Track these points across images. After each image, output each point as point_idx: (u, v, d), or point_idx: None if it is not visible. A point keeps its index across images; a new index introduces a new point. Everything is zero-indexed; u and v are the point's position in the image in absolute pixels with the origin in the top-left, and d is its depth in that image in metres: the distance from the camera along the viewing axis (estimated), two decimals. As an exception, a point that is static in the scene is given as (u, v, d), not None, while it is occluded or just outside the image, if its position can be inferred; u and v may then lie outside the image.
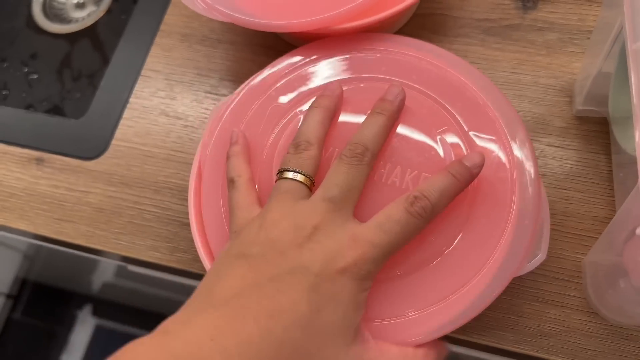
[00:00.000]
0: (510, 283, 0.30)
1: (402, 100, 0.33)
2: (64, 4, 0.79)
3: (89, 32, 0.76)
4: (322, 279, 0.27)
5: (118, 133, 0.43)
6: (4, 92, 0.73)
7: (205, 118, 0.42)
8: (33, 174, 0.43)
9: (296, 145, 0.31)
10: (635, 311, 0.30)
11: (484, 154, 0.31)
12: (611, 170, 0.37)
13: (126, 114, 0.44)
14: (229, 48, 0.45)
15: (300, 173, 0.30)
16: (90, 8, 0.78)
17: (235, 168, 0.33)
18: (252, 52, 0.44)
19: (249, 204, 0.32)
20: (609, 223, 0.34)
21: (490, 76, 0.40)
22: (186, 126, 0.43)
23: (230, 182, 0.33)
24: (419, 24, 0.43)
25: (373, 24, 0.37)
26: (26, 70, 0.74)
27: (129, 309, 1.18)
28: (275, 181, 0.31)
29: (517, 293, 0.35)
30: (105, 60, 0.73)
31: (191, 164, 0.36)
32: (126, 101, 0.44)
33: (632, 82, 0.24)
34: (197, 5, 0.40)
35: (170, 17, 0.47)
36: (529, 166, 0.32)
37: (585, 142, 0.38)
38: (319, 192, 0.29)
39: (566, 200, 0.36)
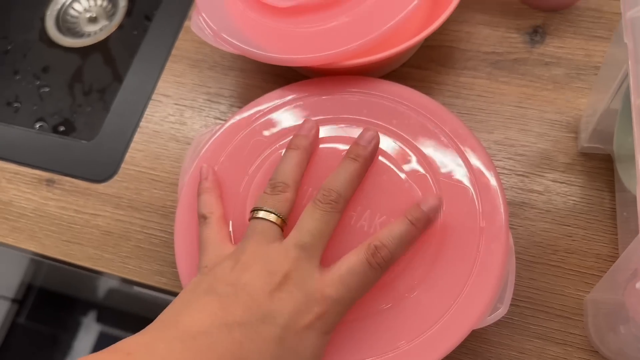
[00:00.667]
0: (507, 318, 0.30)
1: (376, 145, 0.34)
2: (76, 17, 0.80)
3: (101, 47, 0.77)
4: (289, 333, 0.27)
5: (128, 157, 0.44)
6: (15, 105, 0.74)
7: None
8: (43, 195, 0.43)
9: (273, 186, 0.32)
10: (637, 356, 0.30)
11: (441, 197, 0.32)
12: (615, 208, 0.37)
13: (136, 137, 0.44)
14: (239, 75, 0.45)
15: (275, 214, 0.31)
16: (103, 22, 0.79)
17: (206, 205, 0.34)
18: (261, 80, 0.45)
19: (220, 240, 0.33)
20: (612, 261, 0.35)
21: (495, 110, 0.41)
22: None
23: (202, 218, 0.34)
24: (427, 56, 0.43)
25: (380, 60, 0.38)
26: (38, 83, 0.75)
27: (133, 316, 1.19)
28: (249, 219, 0.32)
29: (518, 329, 0.35)
30: (117, 76, 0.74)
31: (199, 193, 0.37)
32: (137, 125, 0.45)
33: (635, 136, 0.25)
34: (207, 34, 0.41)
35: (182, 43, 0.47)
36: (499, 218, 0.32)
37: (590, 179, 0.38)
38: (291, 237, 0.30)
39: (569, 237, 0.37)
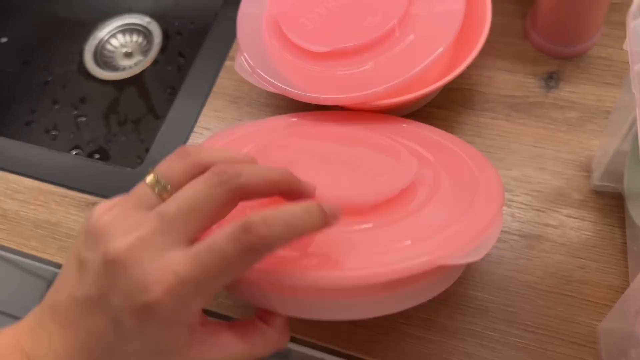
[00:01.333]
0: (524, 344, 0.33)
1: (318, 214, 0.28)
2: (113, 52, 0.85)
3: (136, 80, 0.81)
4: (124, 315, 0.25)
5: (170, 184, 0.47)
6: (53, 133, 0.79)
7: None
8: (90, 218, 0.47)
9: (185, 153, 0.29)
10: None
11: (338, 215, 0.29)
12: (626, 243, 0.40)
13: (178, 166, 0.48)
14: (275, 111, 0.49)
15: (161, 183, 0.28)
16: (138, 57, 0.83)
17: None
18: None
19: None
20: (622, 292, 0.37)
21: (514, 149, 0.44)
22: (232, 181, 0.47)
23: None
24: (449, 97, 0.47)
25: (405, 101, 0.41)
26: (75, 113, 0.80)
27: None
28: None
29: (534, 354, 0.37)
30: (150, 108, 0.78)
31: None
32: (178, 155, 0.48)
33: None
34: (247, 73, 0.45)
35: (223, 81, 0.51)
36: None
37: (602, 215, 0.41)
38: (159, 206, 0.27)
39: (583, 268, 0.39)
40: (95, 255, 0.26)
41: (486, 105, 0.46)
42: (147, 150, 0.73)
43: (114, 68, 0.82)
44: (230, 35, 0.54)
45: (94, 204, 0.47)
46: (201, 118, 0.50)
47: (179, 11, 0.84)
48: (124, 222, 0.26)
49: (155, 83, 0.79)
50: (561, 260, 0.39)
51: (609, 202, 0.41)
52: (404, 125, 0.43)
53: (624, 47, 0.31)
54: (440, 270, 0.31)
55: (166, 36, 0.83)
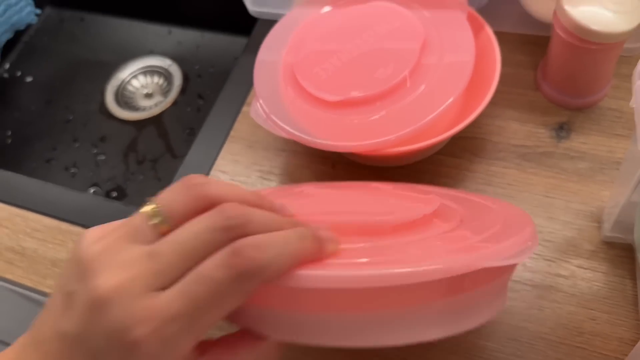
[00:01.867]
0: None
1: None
2: (134, 93, 0.87)
3: (155, 121, 0.83)
4: (106, 354, 0.24)
5: (185, 226, 0.48)
6: (72, 170, 0.81)
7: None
8: (107, 258, 0.48)
9: (193, 184, 0.27)
10: None
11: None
12: (636, 294, 0.40)
13: (194, 208, 0.49)
14: (290, 156, 0.50)
15: (161, 214, 0.26)
16: (158, 98, 0.86)
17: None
18: (309, 161, 0.49)
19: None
20: (633, 345, 0.37)
21: (524, 198, 0.44)
22: (247, 224, 0.47)
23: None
24: (461, 146, 0.48)
25: (419, 149, 0.42)
26: (95, 151, 0.82)
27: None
28: None
29: (546, 407, 0.37)
30: (169, 148, 0.80)
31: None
32: (195, 197, 0.49)
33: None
34: (262, 119, 0.46)
35: (240, 125, 0.53)
36: None
37: (613, 266, 0.41)
38: (154, 244, 0.25)
39: (593, 320, 0.39)
40: (81, 290, 0.25)
41: (497, 154, 0.47)
42: (159, 179, 0.75)
43: (135, 108, 0.84)
44: (248, 81, 0.55)
45: (111, 243, 0.48)
46: (218, 161, 0.51)
47: (200, 55, 0.87)
48: (114, 256, 0.25)
49: (174, 123, 0.81)
50: (572, 311, 0.39)
51: (620, 254, 0.41)
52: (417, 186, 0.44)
53: (631, 104, 0.32)
54: (485, 278, 0.29)
55: (186, 78, 0.85)
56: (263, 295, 0.26)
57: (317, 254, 0.26)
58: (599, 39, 0.41)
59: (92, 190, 0.76)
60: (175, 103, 0.83)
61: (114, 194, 0.75)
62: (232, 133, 0.52)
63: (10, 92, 0.88)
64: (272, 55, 0.50)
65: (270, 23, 0.52)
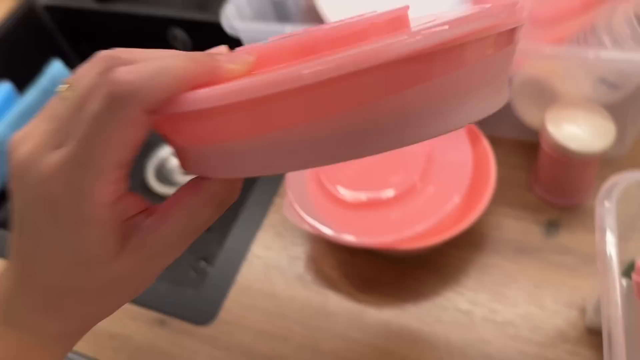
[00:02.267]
0: None
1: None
2: (171, 169, 0.96)
3: (192, 196, 0.92)
4: (26, 209, 0.25)
5: (225, 305, 0.56)
6: (117, 241, 0.89)
7: (293, 301, 0.55)
8: (156, 333, 0.55)
9: (102, 57, 0.24)
10: None
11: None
12: (616, 378, 0.46)
13: (233, 289, 0.57)
14: (314, 243, 0.58)
15: (71, 90, 0.24)
16: (193, 174, 0.95)
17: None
18: (331, 249, 0.57)
19: None
20: None
21: (518, 287, 0.51)
22: (278, 305, 0.55)
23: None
24: (463, 239, 0.55)
25: (430, 245, 0.50)
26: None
27: None
28: None
29: None
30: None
31: (282, 337, 0.48)
32: (233, 279, 0.57)
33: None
34: (290, 214, 0.54)
35: (271, 215, 0.61)
36: None
37: (595, 351, 0.47)
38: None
39: (578, 400, 0.45)
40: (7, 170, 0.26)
41: (495, 248, 0.54)
42: (197, 260, 0.83)
43: (173, 184, 0.93)
44: (279, 177, 0.64)
45: (160, 321, 0.56)
46: (253, 247, 0.59)
47: (232, 136, 0.96)
48: (26, 132, 0.25)
49: (208, 199, 0.90)
50: (559, 392, 0.46)
51: (601, 340, 0.48)
52: None
53: (595, 224, 0.39)
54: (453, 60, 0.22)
55: (219, 157, 0.94)
56: (181, 131, 0.24)
57: (212, 74, 0.23)
58: (577, 156, 0.49)
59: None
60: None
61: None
62: (265, 222, 0.61)
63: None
64: None
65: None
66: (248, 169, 0.23)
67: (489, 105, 0.24)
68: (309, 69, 0.20)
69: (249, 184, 0.84)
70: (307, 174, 0.57)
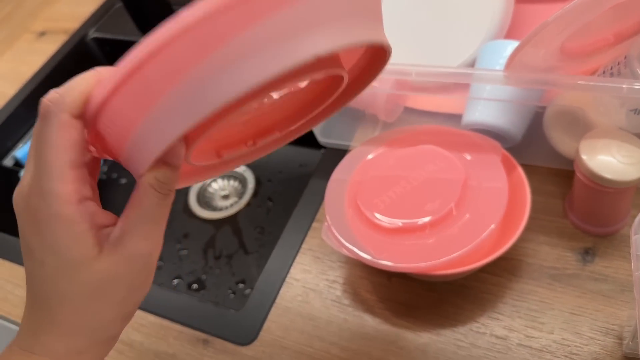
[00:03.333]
0: None
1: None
2: (213, 194, 1.00)
3: (231, 220, 0.95)
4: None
5: (265, 326, 0.58)
6: (159, 263, 0.93)
7: (330, 324, 0.56)
8: (200, 352, 0.58)
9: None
10: None
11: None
12: (655, 407, 0.46)
13: (272, 311, 0.59)
14: (351, 268, 0.60)
15: None
16: (233, 199, 0.98)
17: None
18: (368, 273, 0.59)
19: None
20: None
21: (554, 314, 0.52)
22: (316, 327, 0.57)
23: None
24: (500, 265, 0.56)
25: (467, 271, 0.51)
26: (178, 246, 0.94)
27: None
28: None
29: None
30: (241, 244, 0.91)
31: (320, 359, 0.49)
32: (273, 301, 0.59)
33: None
34: (329, 238, 0.56)
35: (310, 239, 0.63)
36: None
37: (633, 379, 0.48)
38: None
39: None
40: None
41: (531, 275, 0.55)
42: (237, 283, 0.85)
43: (213, 208, 0.96)
44: (316, 202, 0.66)
45: (204, 340, 0.58)
46: (292, 270, 0.61)
47: (270, 162, 0.99)
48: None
49: (247, 223, 0.93)
50: (596, 419, 0.46)
51: (639, 369, 0.48)
52: None
53: (631, 252, 0.40)
54: None
55: (258, 182, 0.98)
56: (103, 134, 0.28)
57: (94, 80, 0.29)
58: (612, 185, 0.50)
59: (175, 282, 0.88)
60: (248, 204, 0.95)
61: (195, 286, 0.87)
62: (303, 245, 0.63)
63: (108, 193, 1.02)
64: (340, 185, 0.60)
65: (334, 150, 0.63)
66: (160, 138, 0.26)
67: (338, 38, 0.26)
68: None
69: (288, 209, 0.87)
70: (345, 201, 0.59)
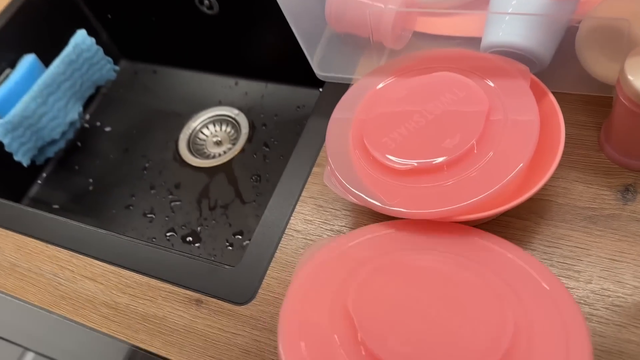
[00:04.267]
0: None
1: None
2: (205, 141, 0.92)
3: (225, 168, 0.88)
4: None
5: (265, 283, 0.52)
6: (150, 216, 0.86)
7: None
8: (192, 314, 0.52)
9: None
10: None
11: None
12: None
13: (272, 266, 0.52)
14: (358, 214, 0.53)
15: None
16: (227, 146, 0.91)
17: None
18: (377, 220, 0.52)
19: None
20: None
21: (592, 261, 0.46)
22: (321, 283, 0.50)
23: None
24: (527, 207, 0.49)
25: (489, 216, 0.44)
26: (170, 197, 0.87)
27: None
28: None
29: None
30: (238, 193, 0.84)
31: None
32: (272, 256, 0.53)
33: None
34: (337, 188, 0.49)
35: (311, 185, 0.56)
36: None
37: (685, 332, 0.42)
38: None
39: (667, 387, 0.40)
40: None
41: (564, 217, 0.48)
42: (234, 234, 0.79)
43: (206, 155, 0.89)
44: (317, 143, 0.59)
45: (197, 300, 0.52)
46: (292, 221, 0.55)
47: (264, 104, 0.91)
48: None
49: (242, 171, 0.86)
50: (644, 378, 0.40)
51: (692, 320, 0.42)
52: (482, 242, 0.46)
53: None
54: None
55: (252, 127, 0.90)
56: None
57: None
58: (664, 109, 0.42)
59: (168, 235, 0.82)
60: (243, 150, 0.88)
61: (189, 238, 0.80)
62: (303, 193, 0.56)
63: (92, 142, 0.95)
64: (345, 113, 0.53)
65: (334, 85, 0.56)
66: None
67: None
68: None
69: (286, 155, 0.79)
70: (349, 142, 0.51)
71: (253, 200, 0.82)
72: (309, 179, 0.57)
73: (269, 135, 0.88)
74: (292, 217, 0.55)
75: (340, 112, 0.54)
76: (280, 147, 0.86)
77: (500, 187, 0.45)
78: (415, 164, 0.47)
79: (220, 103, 0.94)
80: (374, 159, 0.49)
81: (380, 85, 0.54)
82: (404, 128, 0.49)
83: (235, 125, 0.91)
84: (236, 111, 0.92)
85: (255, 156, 0.86)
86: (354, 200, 0.48)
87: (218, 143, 0.90)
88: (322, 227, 0.54)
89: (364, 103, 0.53)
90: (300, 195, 0.56)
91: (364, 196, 0.47)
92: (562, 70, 0.53)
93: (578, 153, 0.51)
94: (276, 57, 0.90)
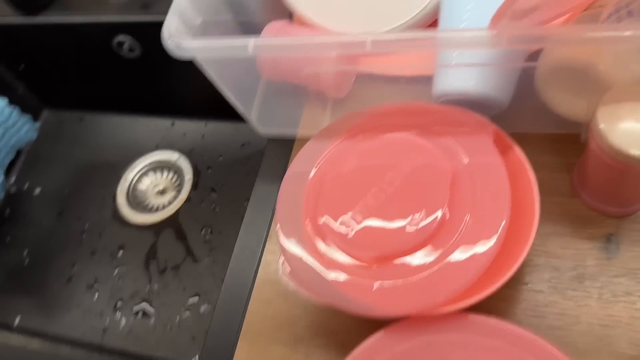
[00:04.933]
0: None
1: None
2: (145, 192, 0.85)
3: (172, 222, 0.81)
4: None
5: None
6: (95, 286, 0.79)
7: None
8: None
9: None
10: None
11: None
12: None
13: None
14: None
15: None
16: (171, 194, 0.83)
17: None
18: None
19: None
20: None
21: (580, 330, 0.42)
22: None
23: None
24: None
25: (467, 306, 0.40)
26: (115, 263, 0.80)
27: None
28: None
29: None
30: (189, 251, 0.78)
31: None
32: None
33: None
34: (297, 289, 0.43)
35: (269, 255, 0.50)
36: None
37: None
38: None
39: None
40: None
41: (546, 279, 0.44)
42: (190, 297, 0.73)
43: (148, 209, 0.82)
44: (267, 208, 0.53)
45: None
46: (254, 293, 0.49)
47: (206, 145, 0.84)
48: None
49: (191, 222, 0.79)
50: None
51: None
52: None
53: None
54: None
55: (196, 171, 0.83)
56: None
57: None
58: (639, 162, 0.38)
59: (118, 306, 0.75)
60: (189, 199, 0.81)
61: (141, 312, 0.73)
62: (259, 276, 0.50)
63: (21, 208, 0.87)
64: (292, 209, 0.46)
65: (279, 143, 0.51)
66: None
67: None
68: None
69: (237, 197, 0.72)
70: (304, 226, 0.45)
71: (207, 256, 0.76)
72: (269, 239, 0.51)
73: (215, 179, 0.81)
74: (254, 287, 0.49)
75: (287, 194, 0.47)
76: (229, 191, 0.80)
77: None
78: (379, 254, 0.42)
79: (157, 147, 0.86)
80: (334, 253, 0.43)
81: (330, 152, 0.48)
82: (362, 206, 0.43)
83: (177, 170, 0.84)
84: (176, 155, 0.85)
85: (202, 204, 0.80)
86: (319, 300, 0.42)
87: (160, 192, 0.83)
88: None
89: (313, 179, 0.46)
90: (255, 279, 0.50)
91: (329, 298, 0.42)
92: (523, 110, 0.48)
93: (551, 201, 0.47)
94: (212, 92, 0.82)
